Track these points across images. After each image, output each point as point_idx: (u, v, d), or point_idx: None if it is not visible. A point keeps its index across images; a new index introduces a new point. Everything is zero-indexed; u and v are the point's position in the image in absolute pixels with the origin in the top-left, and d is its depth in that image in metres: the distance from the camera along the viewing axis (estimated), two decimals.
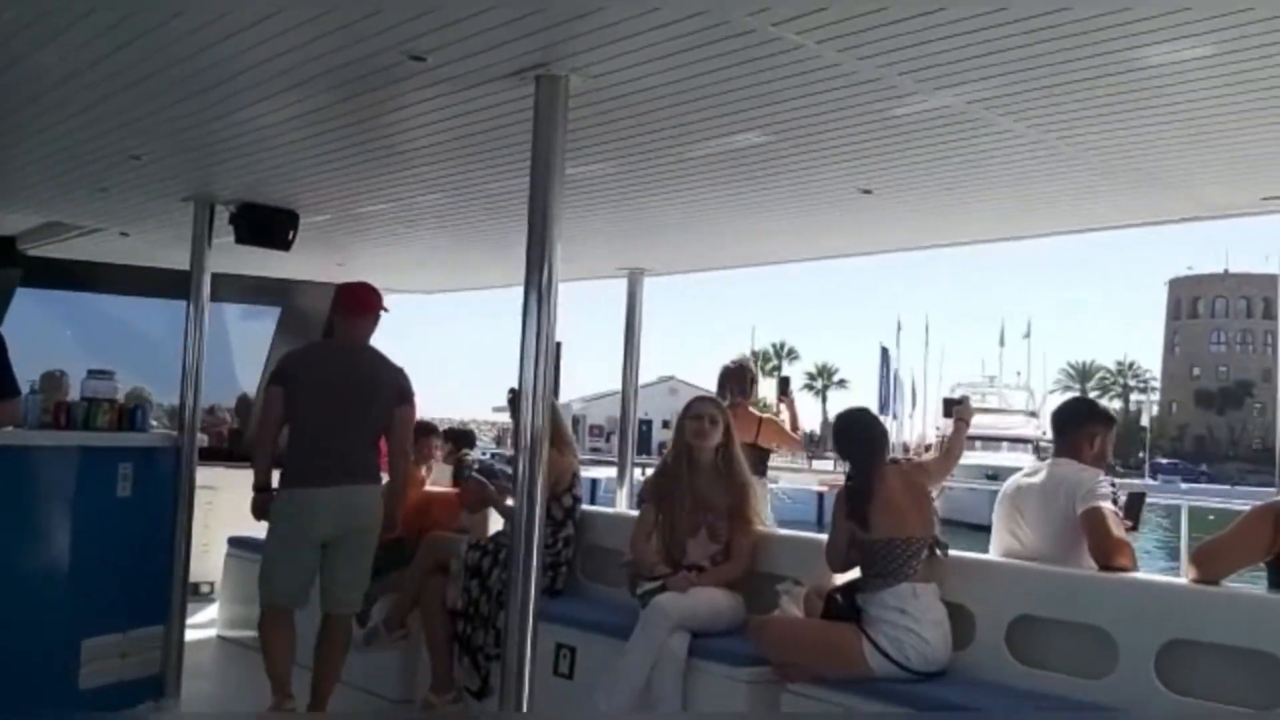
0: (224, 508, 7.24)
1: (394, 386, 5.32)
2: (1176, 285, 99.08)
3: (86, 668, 5.25)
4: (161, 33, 3.40)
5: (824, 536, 4.77)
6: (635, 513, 5.62)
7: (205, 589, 7.60)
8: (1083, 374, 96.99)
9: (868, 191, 4.83)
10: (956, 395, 5.97)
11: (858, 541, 4.37)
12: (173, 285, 6.52)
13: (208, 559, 7.25)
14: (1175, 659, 3.81)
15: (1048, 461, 4.62)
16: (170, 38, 3.44)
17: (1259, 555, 3.75)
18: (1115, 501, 4.26)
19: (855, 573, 4.45)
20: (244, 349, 9.00)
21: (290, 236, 6.01)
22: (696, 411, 5.25)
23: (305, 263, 7.19)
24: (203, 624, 7.18)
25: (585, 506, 6.07)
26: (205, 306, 5.82)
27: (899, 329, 67.98)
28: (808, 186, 4.85)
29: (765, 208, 5.36)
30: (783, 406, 7.51)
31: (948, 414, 5.10)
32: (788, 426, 7.22)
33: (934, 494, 4.64)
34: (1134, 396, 77.26)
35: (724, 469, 5.19)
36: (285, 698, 5.02)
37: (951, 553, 4.48)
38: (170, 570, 5.66)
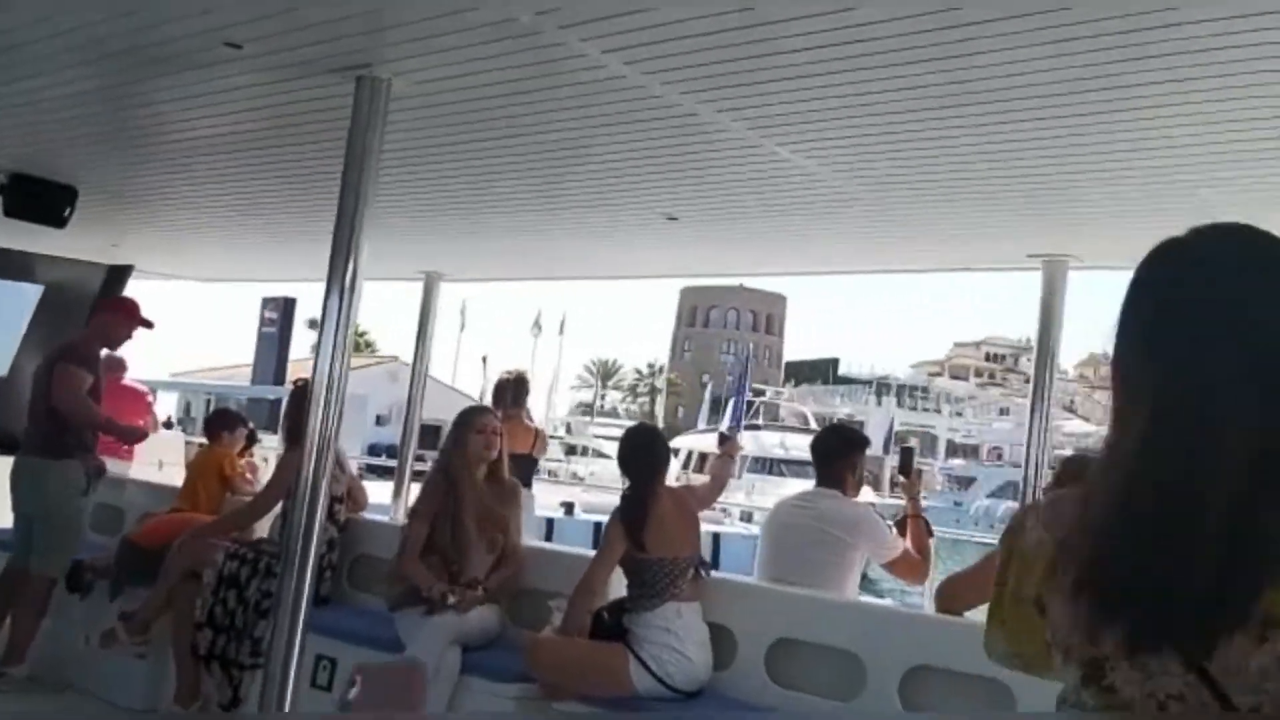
0: None
1: (49, 362, 6.10)
2: (689, 294, 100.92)
3: None
4: None
5: (590, 552, 4.89)
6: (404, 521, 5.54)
7: None
8: (605, 372, 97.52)
9: (673, 218, 4.98)
10: (727, 431, 6.30)
11: (630, 560, 4.45)
12: None
13: None
14: (918, 683, 4.09)
15: (811, 492, 4.89)
16: None
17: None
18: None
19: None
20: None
21: (66, 213, 5.68)
22: (481, 425, 5.25)
23: (75, 241, 6.79)
24: None
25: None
26: None
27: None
28: (614, 209, 4.98)
29: (571, 224, 5.45)
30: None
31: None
32: None
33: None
34: (660, 400, 79.24)
35: (495, 477, 5.22)
36: None
37: (717, 574, 4.68)
38: None
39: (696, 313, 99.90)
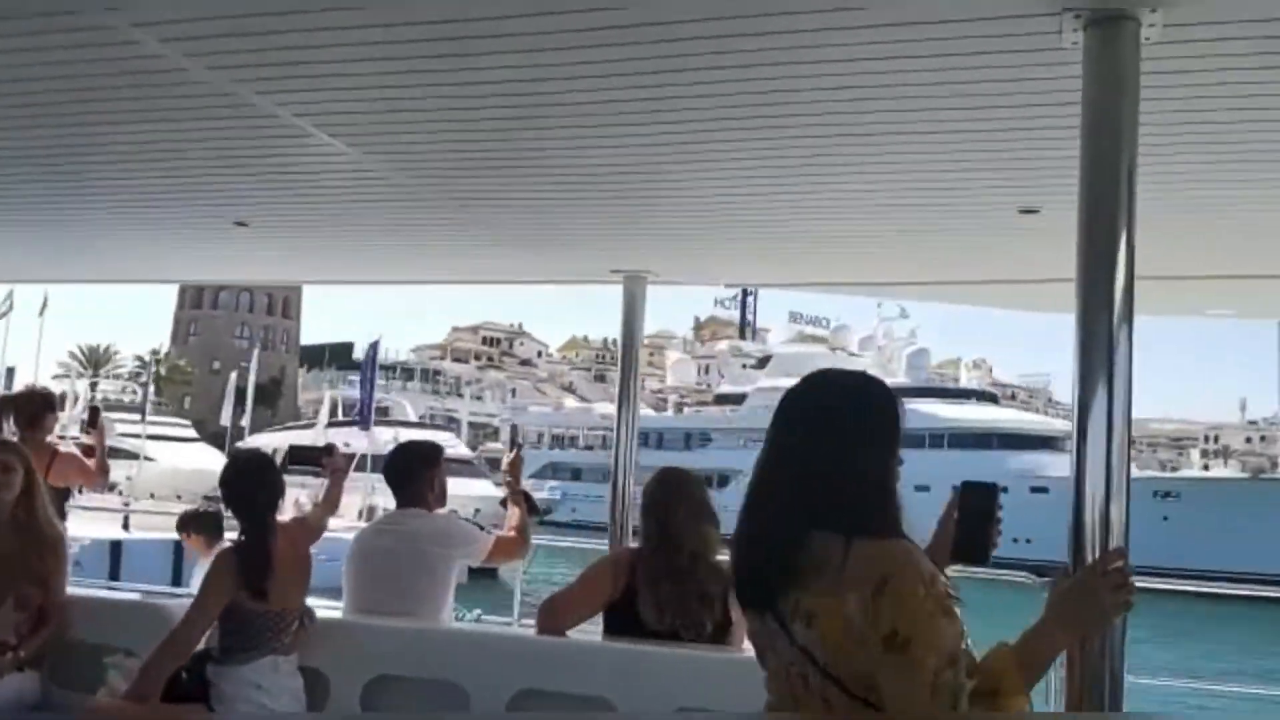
0: None
1: None
2: None
3: None
4: None
5: (153, 600, 4.34)
6: None
7: None
8: (95, 360, 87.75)
9: (243, 224, 4.58)
10: (323, 443, 5.73)
11: (236, 611, 3.94)
12: None
13: None
14: (524, 709, 3.97)
15: (395, 514, 4.63)
16: None
17: (600, 605, 4.05)
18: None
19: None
20: None
21: None
22: None
23: None
24: None
25: None
26: None
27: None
28: (178, 212, 4.52)
29: (130, 227, 4.90)
30: (89, 437, 6.69)
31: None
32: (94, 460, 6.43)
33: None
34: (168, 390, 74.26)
35: (26, 522, 4.43)
36: None
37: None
38: None
39: (203, 293, 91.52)
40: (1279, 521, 36.04)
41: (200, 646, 4.01)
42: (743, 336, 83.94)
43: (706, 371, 77.18)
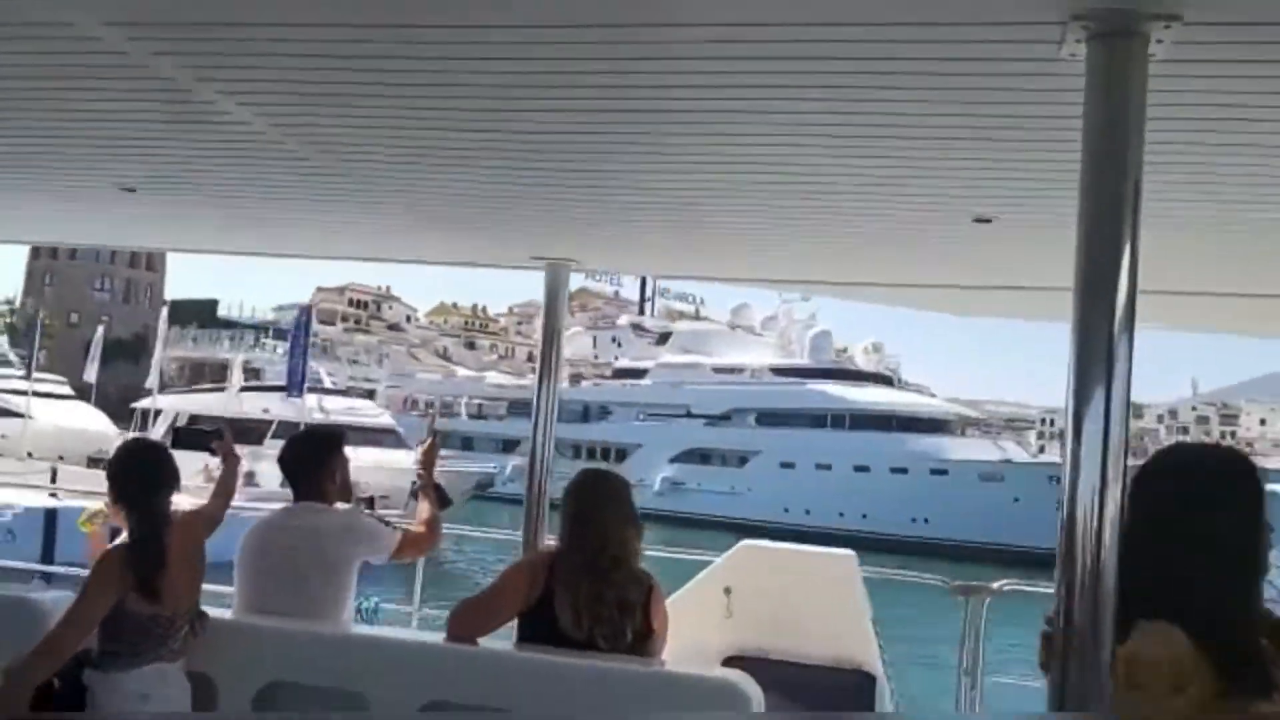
0: None
1: None
2: None
3: None
4: None
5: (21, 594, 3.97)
6: None
7: None
8: None
9: (131, 190, 4.25)
10: (209, 427, 5.36)
11: (120, 614, 3.60)
12: None
13: None
14: None
15: (293, 508, 4.31)
16: None
17: (516, 611, 3.82)
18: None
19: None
20: None
21: None
22: None
23: None
24: None
25: None
26: None
27: None
28: (61, 175, 4.15)
29: (13, 187, 4.51)
30: None
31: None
32: None
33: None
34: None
35: None
36: None
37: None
38: None
39: None
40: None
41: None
42: (642, 312, 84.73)
43: (598, 344, 77.07)
